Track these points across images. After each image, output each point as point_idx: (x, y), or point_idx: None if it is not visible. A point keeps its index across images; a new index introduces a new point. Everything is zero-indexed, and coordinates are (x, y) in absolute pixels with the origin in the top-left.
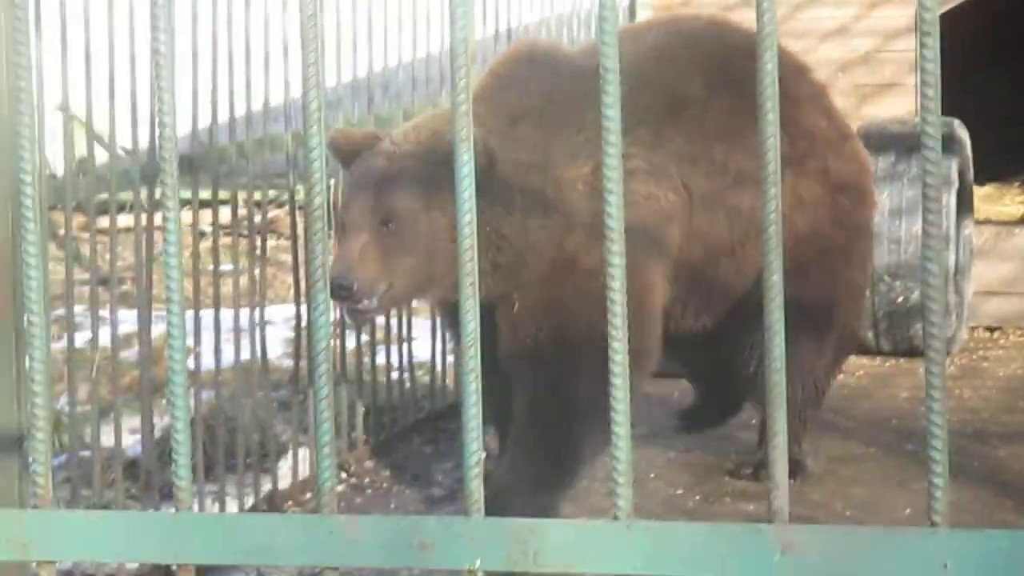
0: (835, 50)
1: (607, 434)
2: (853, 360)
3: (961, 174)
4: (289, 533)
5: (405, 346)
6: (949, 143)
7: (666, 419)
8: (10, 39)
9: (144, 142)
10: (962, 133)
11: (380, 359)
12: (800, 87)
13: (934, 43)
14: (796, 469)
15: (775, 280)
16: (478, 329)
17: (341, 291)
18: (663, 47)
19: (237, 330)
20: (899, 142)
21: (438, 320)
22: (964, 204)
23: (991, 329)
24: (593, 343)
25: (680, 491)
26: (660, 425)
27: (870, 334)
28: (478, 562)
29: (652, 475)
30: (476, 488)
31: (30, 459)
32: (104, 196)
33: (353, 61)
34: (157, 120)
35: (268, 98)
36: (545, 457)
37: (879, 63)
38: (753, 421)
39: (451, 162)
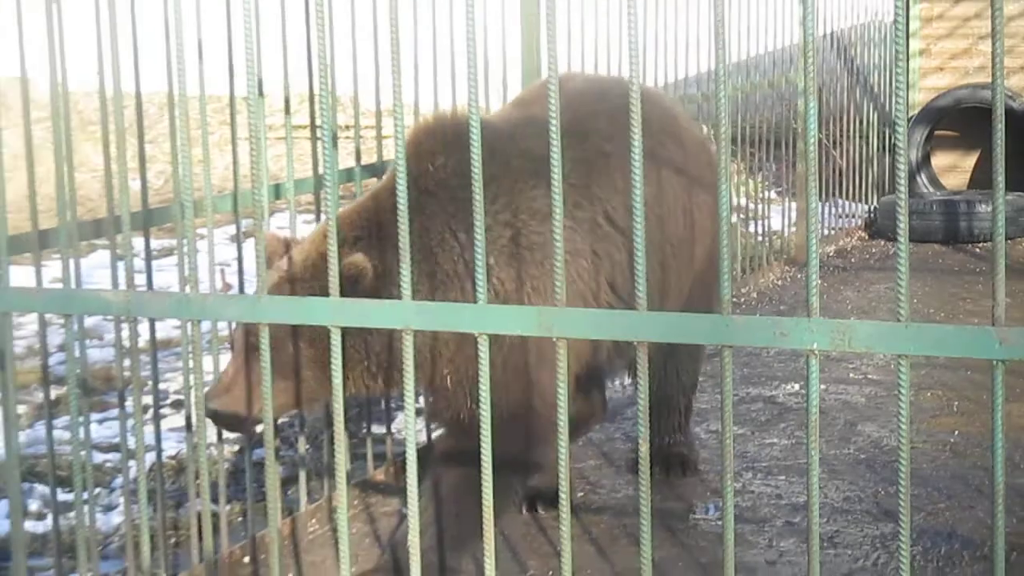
0: None
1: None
2: None
3: None
4: (698, 324)
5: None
6: None
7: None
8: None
9: None
10: None
11: None
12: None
13: None
14: (685, 463)
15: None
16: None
17: (208, 414)
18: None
19: None
20: None
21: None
22: None
23: None
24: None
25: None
26: (940, 280)
27: None
28: (815, 344)
29: (931, 310)
30: (815, 302)
31: None
32: None
33: (738, 47)
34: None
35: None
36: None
37: None
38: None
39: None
